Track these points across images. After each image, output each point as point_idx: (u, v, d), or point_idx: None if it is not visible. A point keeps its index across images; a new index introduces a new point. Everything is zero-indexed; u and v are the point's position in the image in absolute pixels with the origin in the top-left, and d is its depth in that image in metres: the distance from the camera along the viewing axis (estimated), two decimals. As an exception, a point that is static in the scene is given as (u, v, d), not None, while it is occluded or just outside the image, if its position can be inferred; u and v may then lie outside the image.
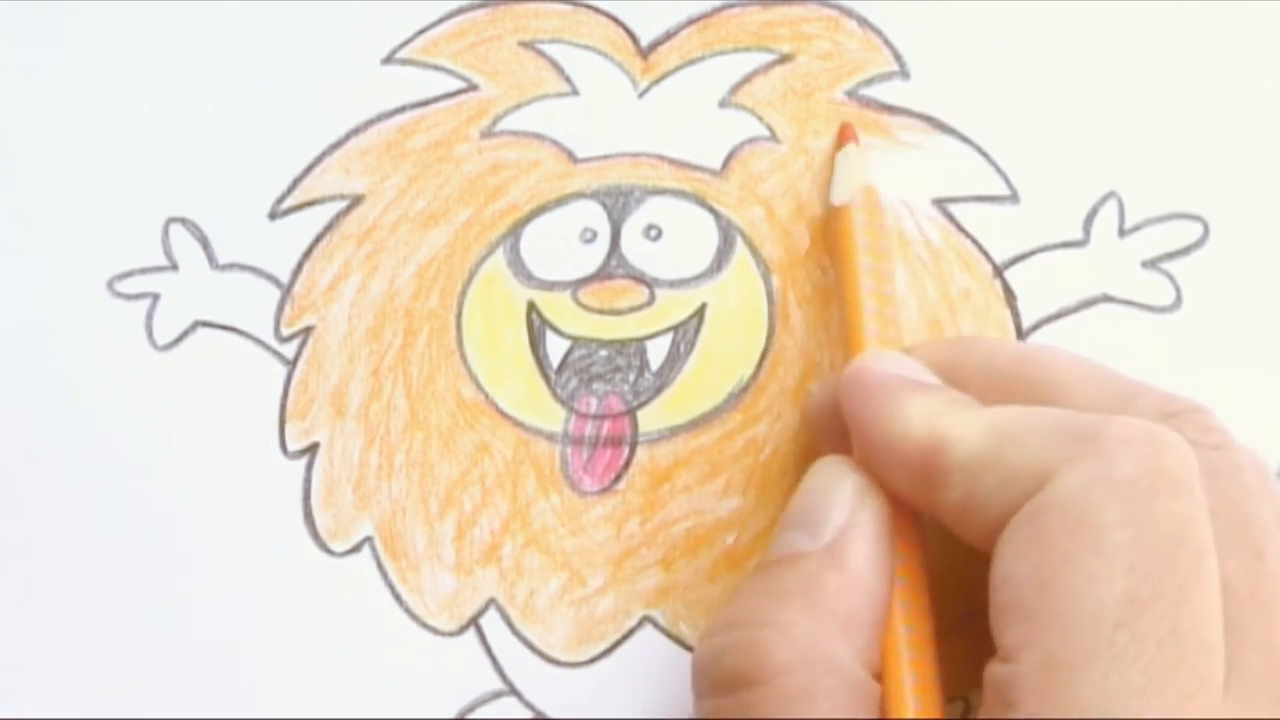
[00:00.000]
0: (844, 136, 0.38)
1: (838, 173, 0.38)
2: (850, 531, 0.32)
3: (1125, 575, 0.28)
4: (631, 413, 0.38)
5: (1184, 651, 0.28)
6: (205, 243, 0.39)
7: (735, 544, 0.37)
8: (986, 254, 0.38)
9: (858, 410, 0.33)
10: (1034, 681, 0.28)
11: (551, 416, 0.38)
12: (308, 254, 0.39)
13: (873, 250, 0.36)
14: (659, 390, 0.38)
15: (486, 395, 0.38)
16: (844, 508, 0.32)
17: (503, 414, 0.38)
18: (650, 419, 0.38)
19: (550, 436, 0.38)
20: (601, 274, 0.38)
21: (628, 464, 0.38)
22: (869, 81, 0.39)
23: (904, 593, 0.31)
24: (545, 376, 0.38)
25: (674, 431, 0.38)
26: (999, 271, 0.38)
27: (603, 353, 0.38)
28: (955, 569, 0.32)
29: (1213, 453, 0.31)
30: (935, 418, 0.31)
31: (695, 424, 0.38)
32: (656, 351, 0.38)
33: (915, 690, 0.31)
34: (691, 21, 0.39)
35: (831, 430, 0.34)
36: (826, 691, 0.30)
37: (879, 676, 0.31)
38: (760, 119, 0.39)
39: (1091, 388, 0.33)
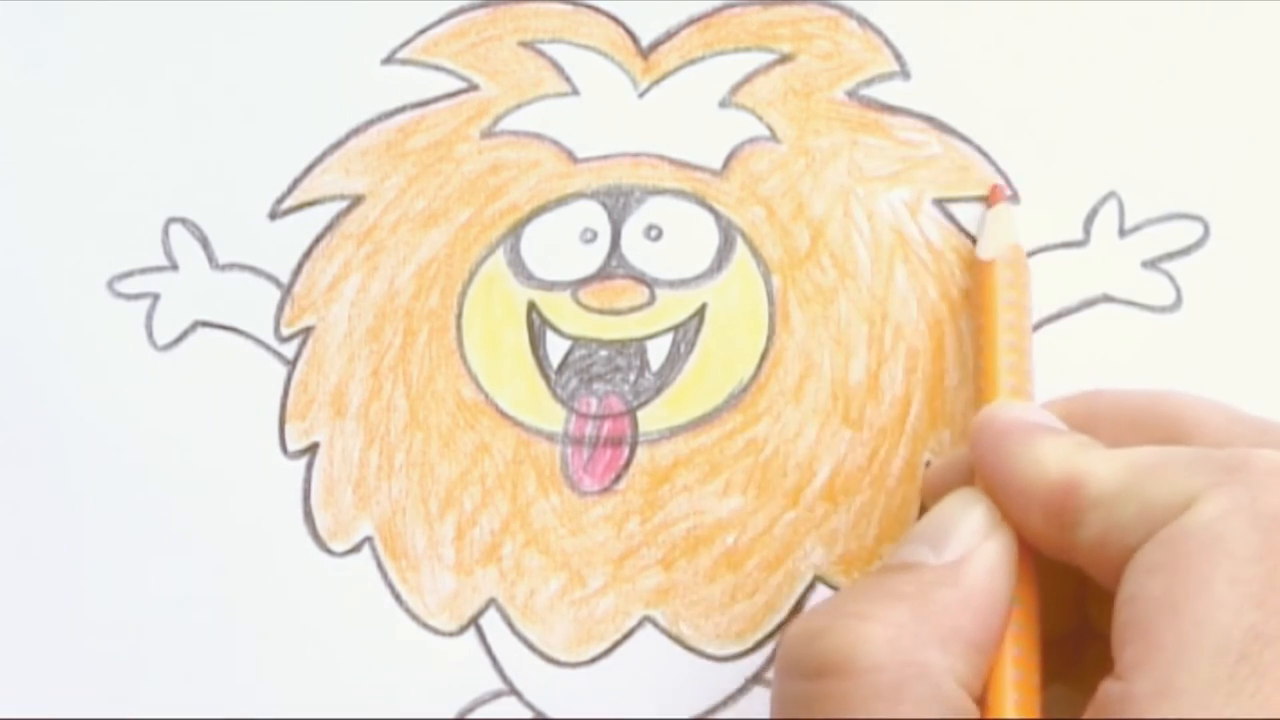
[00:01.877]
0: (996, 195, 0.38)
1: (986, 229, 0.38)
2: (974, 555, 0.32)
3: (1255, 609, 0.28)
4: (631, 413, 0.38)
5: None
6: (205, 243, 0.39)
7: (735, 544, 0.38)
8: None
9: (989, 453, 0.33)
10: (1148, 703, 0.28)
11: (552, 417, 0.38)
12: (308, 254, 0.39)
13: (1014, 307, 0.36)
14: (659, 390, 0.38)
15: (486, 395, 0.38)
16: (972, 532, 0.32)
17: (503, 414, 0.38)
18: (650, 419, 0.38)
19: (550, 437, 0.38)
20: (602, 274, 0.39)
21: (628, 464, 0.38)
22: (869, 81, 0.39)
23: (1018, 635, 0.32)
24: (545, 376, 0.38)
25: (674, 431, 0.38)
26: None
27: (603, 353, 0.38)
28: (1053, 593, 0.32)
29: None
30: (1069, 457, 0.32)
31: (695, 424, 0.38)
32: (657, 351, 0.38)
33: (1017, 709, 0.31)
34: (692, 21, 0.40)
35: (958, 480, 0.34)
36: (915, 697, 0.30)
37: (979, 701, 0.31)
38: (760, 119, 0.39)
39: (1224, 426, 0.33)
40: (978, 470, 0.33)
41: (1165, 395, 0.35)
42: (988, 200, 0.38)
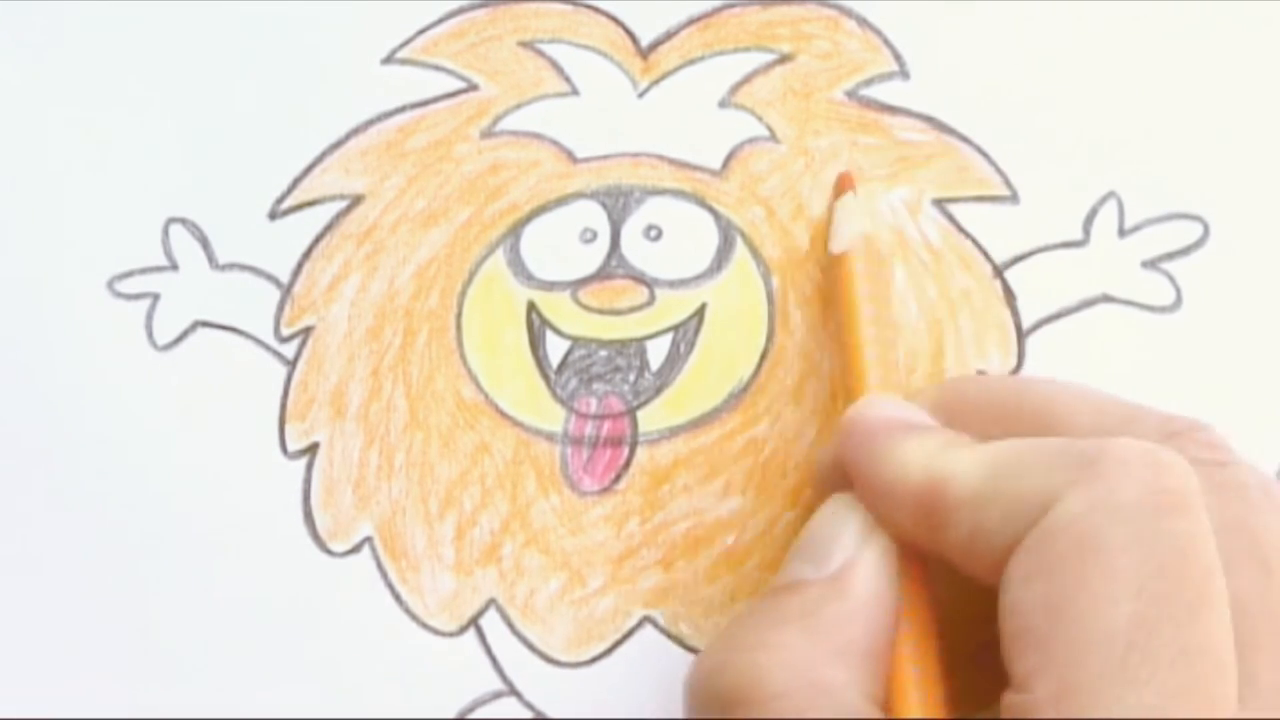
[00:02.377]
0: (842, 185, 0.38)
1: (836, 222, 0.38)
2: (854, 564, 0.32)
3: (1134, 598, 0.28)
4: (631, 413, 0.38)
5: (1197, 671, 0.28)
6: (205, 243, 0.39)
7: (735, 544, 0.38)
8: (986, 254, 0.39)
9: (856, 457, 0.33)
10: (1050, 708, 0.28)
11: (551, 417, 0.38)
12: (308, 254, 0.39)
13: (874, 298, 0.36)
14: (659, 390, 0.38)
15: (486, 395, 0.38)
16: (849, 541, 0.32)
17: (502, 414, 0.38)
18: (650, 419, 0.38)
19: (550, 437, 0.38)
20: (601, 274, 0.39)
21: (627, 464, 0.38)
22: (869, 81, 0.40)
23: (911, 632, 0.32)
24: (545, 377, 0.38)
25: (674, 432, 0.38)
26: (999, 272, 0.39)
27: (603, 353, 0.38)
28: (961, 605, 0.32)
29: (1217, 470, 0.31)
30: (932, 458, 0.32)
31: (695, 424, 0.38)
32: (656, 352, 0.38)
33: (921, 707, 0.31)
34: (691, 21, 0.40)
35: (841, 486, 0.35)
36: (821, 716, 0.30)
37: (884, 707, 0.31)
38: (760, 119, 0.39)
39: (1090, 414, 0.33)
40: (848, 472, 0.33)
41: (1034, 383, 0.36)
42: (835, 190, 0.38)
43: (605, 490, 0.38)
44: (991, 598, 0.30)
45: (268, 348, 0.39)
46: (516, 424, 0.38)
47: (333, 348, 0.39)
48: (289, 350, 0.39)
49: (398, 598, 0.38)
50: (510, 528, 0.38)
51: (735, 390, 0.38)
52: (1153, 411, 0.33)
